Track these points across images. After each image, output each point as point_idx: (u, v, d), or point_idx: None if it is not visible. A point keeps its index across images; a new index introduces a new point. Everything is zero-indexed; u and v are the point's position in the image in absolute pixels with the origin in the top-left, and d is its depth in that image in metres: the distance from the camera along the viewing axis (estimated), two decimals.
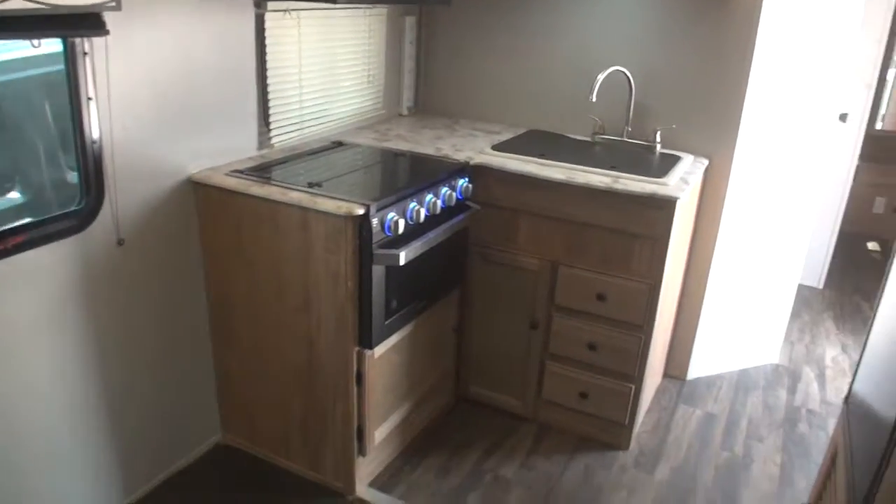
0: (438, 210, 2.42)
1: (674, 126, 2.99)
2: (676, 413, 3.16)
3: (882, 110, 5.61)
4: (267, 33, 2.55)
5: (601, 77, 2.81)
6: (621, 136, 3.05)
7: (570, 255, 2.65)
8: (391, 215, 2.21)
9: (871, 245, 5.60)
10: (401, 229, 2.22)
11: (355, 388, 2.35)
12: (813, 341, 3.95)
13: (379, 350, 2.37)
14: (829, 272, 4.68)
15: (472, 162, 2.66)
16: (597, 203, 2.53)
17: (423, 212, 2.33)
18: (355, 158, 2.68)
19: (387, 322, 2.35)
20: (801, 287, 4.52)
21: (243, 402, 2.62)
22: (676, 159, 2.84)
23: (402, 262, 2.20)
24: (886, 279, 2.37)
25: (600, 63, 2.95)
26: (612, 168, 2.64)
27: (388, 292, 2.31)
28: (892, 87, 5.62)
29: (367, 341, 2.30)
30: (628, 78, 2.96)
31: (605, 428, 2.86)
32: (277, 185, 2.26)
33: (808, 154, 3.23)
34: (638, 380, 2.71)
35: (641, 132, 3.04)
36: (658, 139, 2.96)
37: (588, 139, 3.11)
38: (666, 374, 3.43)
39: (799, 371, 3.61)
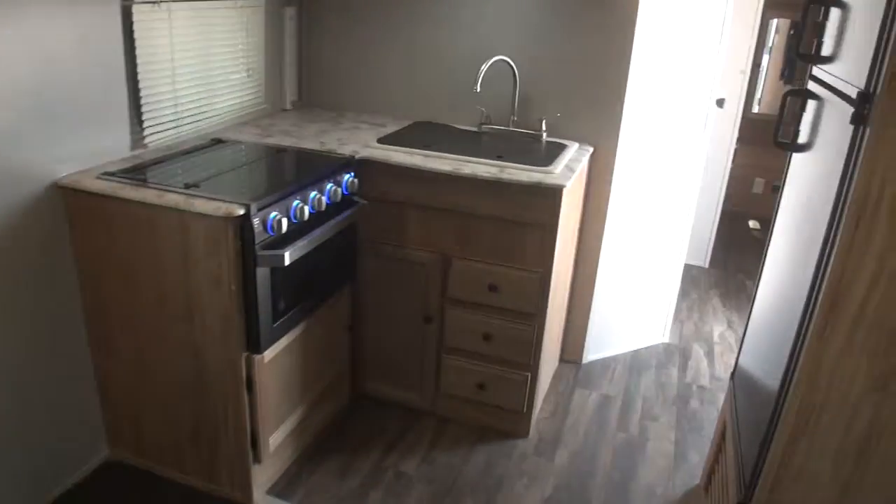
0: (324, 207, 2.36)
1: (558, 115, 3.01)
2: (574, 397, 3.20)
3: (758, 95, 5.84)
4: (135, 27, 2.42)
5: (485, 67, 2.80)
6: (508, 125, 3.06)
7: (461, 247, 2.64)
8: (274, 214, 2.13)
9: (752, 224, 5.84)
10: (284, 228, 2.15)
11: (246, 395, 2.27)
12: (701, 319, 4.08)
13: (269, 354, 2.29)
14: (713, 252, 4.85)
15: (357, 156, 2.61)
16: (485, 194, 2.52)
17: (307, 209, 2.26)
18: (236, 156, 2.58)
19: (275, 325, 2.28)
20: (688, 267, 4.67)
21: (131, 415, 2.49)
22: (562, 147, 2.86)
23: (286, 262, 2.13)
24: (764, 260, 2.45)
25: (486, 53, 2.94)
26: (499, 158, 2.63)
27: (274, 294, 2.23)
28: (766, 72, 5.86)
29: (255, 346, 2.22)
30: (512, 68, 2.96)
31: (504, 417, 2.86)
32: (152, 188, 2.15)
33: (688, 138, 3.33)
34: (534, 368, 2.73)
35: (527, 121, 3.05)
36: (544, 128, 2.98)
37: (475, 129, 3.10)
38: (562, 359, 3.47)
39: (689, 349, 3.72)
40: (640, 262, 3.44)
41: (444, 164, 2.56)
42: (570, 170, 2.59)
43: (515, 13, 3.00)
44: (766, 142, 6.37)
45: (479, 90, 2.78)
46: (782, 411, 1.70)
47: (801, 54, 1.97)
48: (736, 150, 4.66)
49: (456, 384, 2.85)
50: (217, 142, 2.75)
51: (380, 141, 2.78)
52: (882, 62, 1.41)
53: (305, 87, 3.44)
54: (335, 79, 3.37)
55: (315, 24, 3.32)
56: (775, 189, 6.05)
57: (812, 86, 2.04)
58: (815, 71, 2.03)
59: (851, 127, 1.49)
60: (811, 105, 2.02)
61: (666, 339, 3.77)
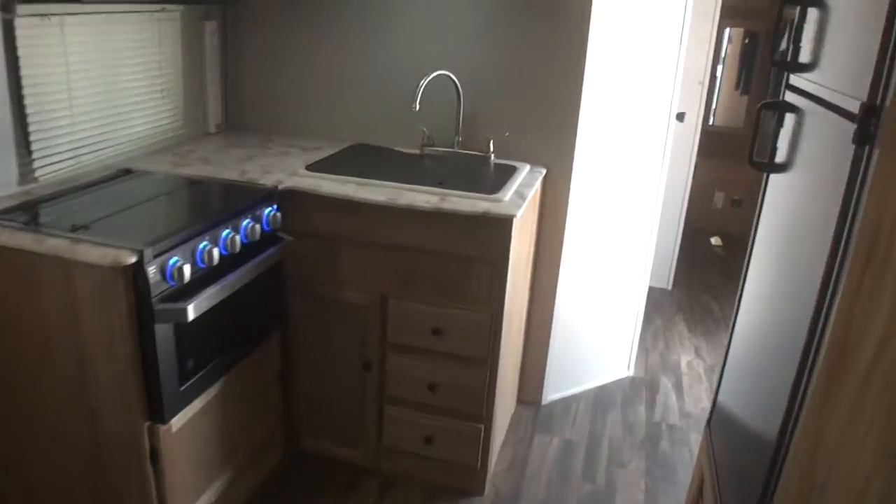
0: (238, 248, 2.04)
1: (507, 134, 2.74)
2: (533, 444, 2.91)
3: (714, 105, 5.67)
4: (19, 42, 2.09)
5: (424, 83, 2.52)
6: (452, 147, 2.77)
7: (401, 286, 2.34)
8: (174, 260, 1.81)
9: (714, 240, 5.64)
10: (188, 276, 1.83)
11: (151, 469, 1.94)
12: (667, 347, 3.83)
13: (178, 422, 1.96)
14: (676, 272, 4.62)
15: (280, 186, 2.30)
16: (425, 226, 2.23)
17: (217, 252, 1.94)
18: (142, 189, 2.26)
19: (183, 388, 1.95)
20: (651, 290, 4.43)
21: (21, 490, 2.14)
22: (512, 170, 2.59)
23: (190, 316, 1.81)
24: (742, 290, 2.20)
25: (429, 68, 2.65)
26: (441, 184, 2.35)
27: (181, 353, 1.91)
28: (721, 83, 5.70)
29: (158, 415, 1.89)
30: (455, 84, 2.68)
31: (457, 473, 2.56)
32: (32, 232, 1.82)
33: (648, 155, 3.09)
34: (487, 419, 2.43)
35: (474, 142, 2.77)
36: (491, 149, 2.70)
37: (417, 152, 2.81)
38: (520, 400, 3.18)
39: (656, 382, 3.46)
40: (601, 289, 3.18)
41: (379, 193, 2.26)
42: (520, 196, 2.31)
43: (460, 27, 2.72)
44: (725, 155, 6.25)
45: (417, 109, 2.50)
46: (777, 487, 1.43)
47: (777, 62, 1.72)
48: (696, 164, 4.45)
49: (401, 438, 2.54)
50: (125, 172, 2.42)
51: (309, 168, 2.47)
52: (891, 69, 1.15)
53: (232, 108, 3.12)
54: (264, 99, 3.06)
55: (240, 38, 3.01)
56: (735, 204, 5.88)
57: (790, 96, 1.79)
58: (794, 80, 1.77)
59: (853, 147, 1.23)
60: (790, 119, 1.77)
61: (631, 373, 3.51)
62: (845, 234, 1.25)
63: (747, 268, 2.15)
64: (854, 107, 1.24)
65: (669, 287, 4.60)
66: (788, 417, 1.42)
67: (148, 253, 1.73)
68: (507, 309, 2.33)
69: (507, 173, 2.54)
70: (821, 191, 1.44)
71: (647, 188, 3.14)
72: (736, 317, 2.19)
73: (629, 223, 3.14)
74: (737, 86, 5.75)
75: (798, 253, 1.57)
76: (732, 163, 5.65)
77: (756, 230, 2.08)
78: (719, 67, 5.61)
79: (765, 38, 5.48)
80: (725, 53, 5.62)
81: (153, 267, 1.75)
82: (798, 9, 1.69)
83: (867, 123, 1.19)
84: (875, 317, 1.22)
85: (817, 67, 1.61)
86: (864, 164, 1.20)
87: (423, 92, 2.51)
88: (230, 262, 2.02)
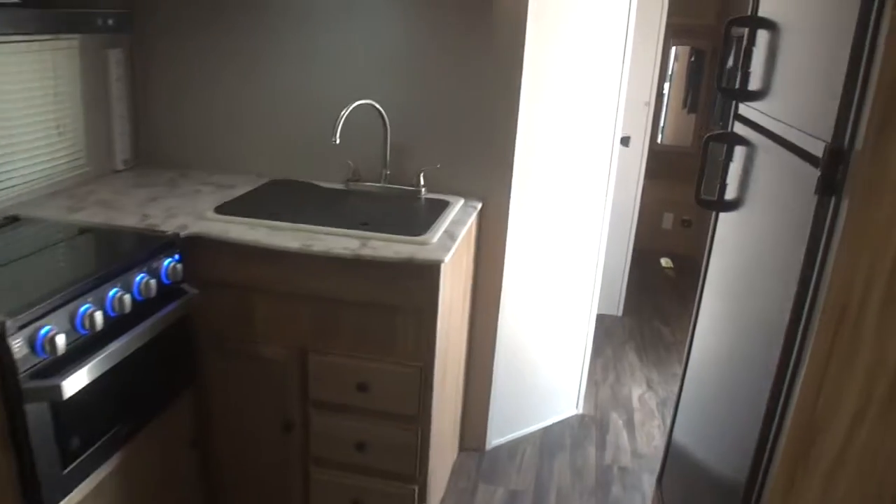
0: (129, 307, 1.80)
1: (438, 166, 2.55)
2: (477, 496, 2.71)
3: (662, 125, 5.57)
4: None
5: (345, 114, 2.31)
6: (380, 181, 2.57)
7: (321, 339, 2.12)
8: (46, 329, 1.57)
9: (664, 262, 5.52)
10: (62, 348, 1.59)
11: None
12: (618, 380, 3.66)
13: None
14: (626, 297, 4.47)
15: (183, 233, 2.07)
16: (346, 274, 2.02)
17: (100, 315, 1.70)
18: (24, 242, 2.01)
19: (67, 470, 1.71)
20: (600, 317, 4.28)
21: None
22: (444, 206, 2.40)
23: (66, 394, 1.57)
24: (693, 330, 2.03)
25: (352, 96, 2.46)
26: (364, 225, 2.14)
27: (61, 432, 1.66)
28: (668, 102, 5.60)
29: (36, 503, 1.65)
30: (382, 114, 2.48)
31: None
32: None
33: (593, 181, 2.92)
34: (420, 478, 2.22)
35: (404, 175, 2.58)
36: (422, 182, 2.51)
37: (341, 187, 2.60)
38: (462, 447, 2.97)
39: (606, 419, 3.29)
40: (547, 324, 3.00)
41: (293, 238, 2.05)
42: (450, 237, 2.12)
43: (386, 53, 2.53)
44: (673, 175, 6.15)
45: (338, 142, 2.29)
46: None
47: (723, 89, 1.56)
48: (644, 186, 4.31)
49: (329, 502, 2.31)
50: (12, 220, 2.17)
51: (218, 210, 2.25)
52: (860, 105, 0.98)
53: (143, 142, 2.87)
54: (177, 132, 2.82)
55: (150, 67, 2.77)
56: (685, 224, 5.77)
57: (740, 128, 1.63)
58: (744, 109, 1.61)
59: (816, 196, 1.06)
60: (740, 151, 1.61)
61: (580, 410, 3.33)
62: (809, 297, 1.07)
63: (699, 305, 1.98)
64: (815, 148, 1.07)
65: (619, 313, 4.45)
66: (750, 493, 1.24)
67: (11, 324, 1.49)
68: (440, 360, 2.13)
69: (437, 209, 2.35)
70: (779, 236, 1.26)
71: (591, 215, 2.98)
72: (688, 353, 2.02)
73: (574, 253, 2.97)
74: (684, 104, 5.66)
75: (753, 300, 1.40)
76: (681, 183, 5.55)
77: (708, 264, 1.91)
78: (666, 86, 5.52)
79: (711, 55, 5.41)
80: (672, 72, 5.53)
81: (19, 339, 1.51)
82: (746, 30, 1.52)
83: (833, 170, 1.02)
84: (845, 392, 1.05)
85: (769, 96, 1.45)
86: (829, 215, 1.03)
87: (347, 123, 2.31)
88: (121, 323, 1.79)
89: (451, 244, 2.06)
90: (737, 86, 1.57)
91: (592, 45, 2.72)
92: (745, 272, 1.50)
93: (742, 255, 1.54)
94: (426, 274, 1.98)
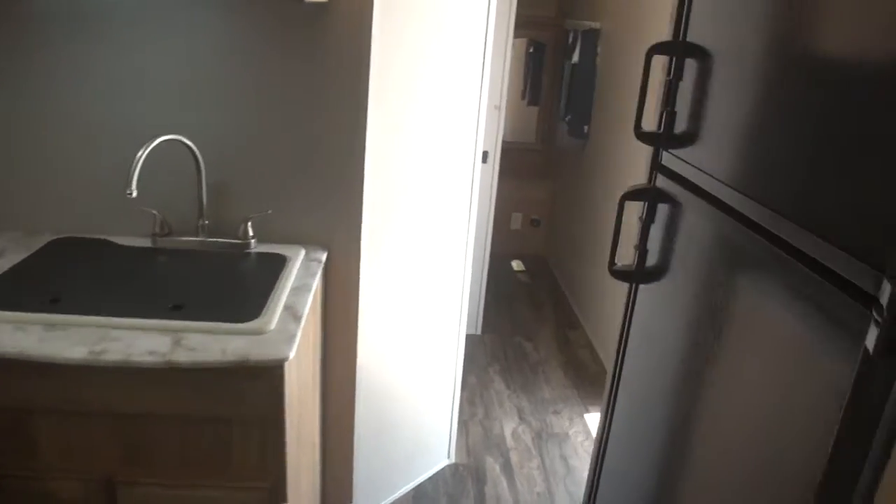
0: None
1: (269, 211, 2.07)
2: None
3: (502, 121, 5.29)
4: None
5: (142, 155, 1.76)
6: (196, 234, 2.05)
7: (133, 466, 1.61)
8: None
9: (516, 265, 5.27)
10: None
11: None
12: (487, 415, 3.33)
13: None
14: (484, 311, 4.15)
15: None
16: (156, 384, 1.52)
17: None
18: None
19: None
20: None
21: None
22: (281, 263, 1.93)
23: None
24: (613, 399, 1.69)
25: (161, 128, 1.92)
26: (177, 308, 1.65)
27: None
28: (507, 95, 5.34)
29: None
30: (194, 151, 1.96)
31: None
32: None
33: (455, 199, 2.56)
34: None
35: (227, 225, 2.08)
36: (251, 233, 2.03)
37: (147, 244, 2.06)
38: None
39: (482, 467, 2.95)
40: (412, 366, 2.61)
41: (79, 341, 1.51)
42: (293, 316, 1.66)
43: (197, 79, 2.00)
44: (520, 173, 5.88)
45: (134, 195, 1.75)
46: None
47: (642, 134, 1.21)
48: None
49: None
50: None
51: None
52: None
53: None
54: None
55: None
56: (534, 223, 5.54)
57: (663, 181, 1.28)
58: (668, 159, 1.26)
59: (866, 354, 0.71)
60: (664, 209, 1.27)
61: (452, 459, 2.97)
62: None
63: (618, 377, 1.64)
64: (854, 273, 0.72)
65: (479, 331, 4.13)
66: None
67: None
68: (293, 475, 1.67)
69: (273, 270, 1.88)
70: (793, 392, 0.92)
71: (455, 237, 2.61)
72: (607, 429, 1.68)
73: (438, 283, 2.60)
74: (523, 96, 5.42)
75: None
76: (528, 181, 5.31)
77: (626, 337, 1.56)
78: (504, 80, 5.26)
79: (553, 46, 5.18)
80: (509, 65, 5.27)
81: None
82: (673, 60, 1.17)
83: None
84: None
85: (699, 142, 1.10)
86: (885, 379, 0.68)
87: (151, 163, 1.77)
88: None
89: (296, 329, 1.60)
90: (659, 128, 1.22)
91: (449, 48, 2.33)
92: (678, 355, 1.16)
93: (668, 340, 1.21)
94: (265, 375, 1.51)
